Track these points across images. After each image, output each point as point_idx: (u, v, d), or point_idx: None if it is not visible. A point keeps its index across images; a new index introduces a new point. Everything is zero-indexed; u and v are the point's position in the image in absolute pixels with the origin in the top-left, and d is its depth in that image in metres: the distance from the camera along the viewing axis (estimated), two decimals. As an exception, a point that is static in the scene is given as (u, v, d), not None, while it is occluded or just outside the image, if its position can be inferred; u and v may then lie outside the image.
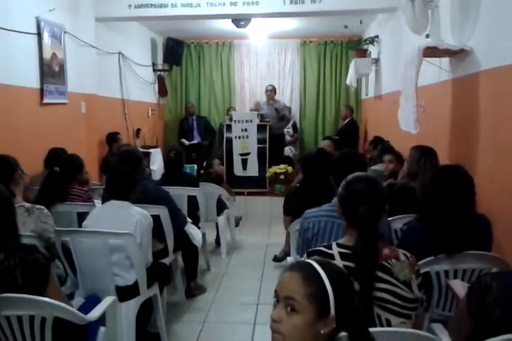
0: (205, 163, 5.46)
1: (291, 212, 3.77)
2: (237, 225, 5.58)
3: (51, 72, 4.68)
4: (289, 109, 8.20)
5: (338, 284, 1.28)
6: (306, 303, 1.25)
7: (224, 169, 6.10)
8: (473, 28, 3.23)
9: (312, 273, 1.29)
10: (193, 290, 3.91)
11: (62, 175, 3.42)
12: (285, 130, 8.23)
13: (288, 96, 8.98)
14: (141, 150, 5.37)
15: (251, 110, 7.94)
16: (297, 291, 1.26)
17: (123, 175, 2.91)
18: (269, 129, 7.52)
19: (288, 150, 8.21)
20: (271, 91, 7.89)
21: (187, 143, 8.19)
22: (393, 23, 5.71)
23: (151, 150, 6.64)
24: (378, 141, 5.38)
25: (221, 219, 4.96)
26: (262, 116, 7.50)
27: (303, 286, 1.26)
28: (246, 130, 7.02)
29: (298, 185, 4.05)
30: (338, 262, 1.70)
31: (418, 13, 3.45)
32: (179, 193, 4.00)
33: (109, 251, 2.65)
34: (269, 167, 6.96)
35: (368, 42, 6.99)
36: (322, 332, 1.25)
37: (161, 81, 8.39)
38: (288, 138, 8.37)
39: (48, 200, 3.22)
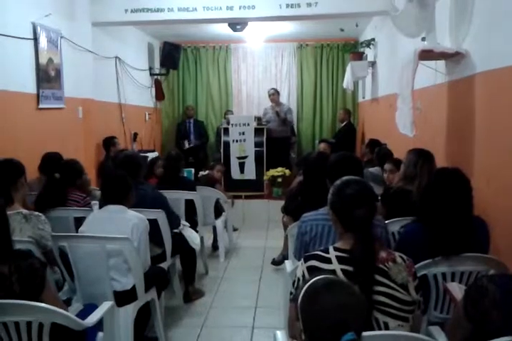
0: (211, 163, 5.48)
1: (290, 213, 3.77)
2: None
3: (47, 77, 4.68)
4: (292, 113, 8.15)
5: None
6: None
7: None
8: (468, 31, 3.24)
9: None
10: (191, 295, 3.90)
11: (62, 181, 3.43)
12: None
13: (285, 99, 8.97)
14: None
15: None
16: None
17: (117, 179, 2.91)
18: (274, 133, 7.53)
19: (286, 153, 8.20)
20: (273, 95, 7.83)
21: (186, 145, 8.18)
22: (389, 26, 5.70)
23: (148, 154, 6.63)
24: (374, 143, 5.38)
25: (219, 223, 4.95)
26: (259, 120, 7.49)
27: None
28: (243, 133, 7.02)
29: (298, 186, 4.04)
30: (336, 266, 1.71)
31: (415, 16, 3.46)
32: (177, 197, 4.00)
33: (107, 255, 2.64)
34: (267, 170, 6.96)
35: (364, 45, 7.00)
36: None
37: (157, 85, 8.39)
38: (285, 141, 8.36)
39: (46, 205, 3.22)
